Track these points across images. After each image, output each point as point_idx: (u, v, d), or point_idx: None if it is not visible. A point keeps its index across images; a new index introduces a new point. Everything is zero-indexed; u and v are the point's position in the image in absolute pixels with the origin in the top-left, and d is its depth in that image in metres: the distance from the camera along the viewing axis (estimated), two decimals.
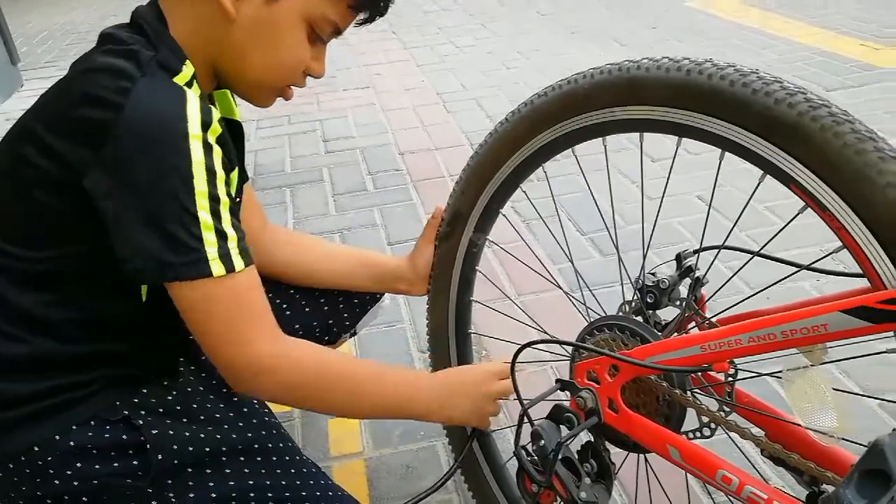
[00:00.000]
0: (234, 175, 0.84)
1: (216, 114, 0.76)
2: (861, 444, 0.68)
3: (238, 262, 0.75)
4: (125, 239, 0.73)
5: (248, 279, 0.78)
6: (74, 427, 0.81)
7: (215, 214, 0.74)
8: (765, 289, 0.86)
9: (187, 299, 0.75)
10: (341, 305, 1.19)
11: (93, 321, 0.82)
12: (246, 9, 0.78)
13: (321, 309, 1.17)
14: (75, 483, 0.80)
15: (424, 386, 0.94)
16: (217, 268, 0.74)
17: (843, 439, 0.69)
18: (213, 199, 0.74)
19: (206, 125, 0.74)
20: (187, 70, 0.78)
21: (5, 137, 0.82)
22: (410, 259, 1.13)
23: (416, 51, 3.90)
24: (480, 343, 1.60)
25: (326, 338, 1.19)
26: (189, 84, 0.78)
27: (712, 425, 0.80)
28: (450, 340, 1.14)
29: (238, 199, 0.95)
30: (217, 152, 0.75)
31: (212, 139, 0.75)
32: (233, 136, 0.92)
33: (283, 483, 0.90)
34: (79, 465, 0.80)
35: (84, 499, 0.82)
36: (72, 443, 0.80)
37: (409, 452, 1.36)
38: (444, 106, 3.09)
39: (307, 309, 1.15)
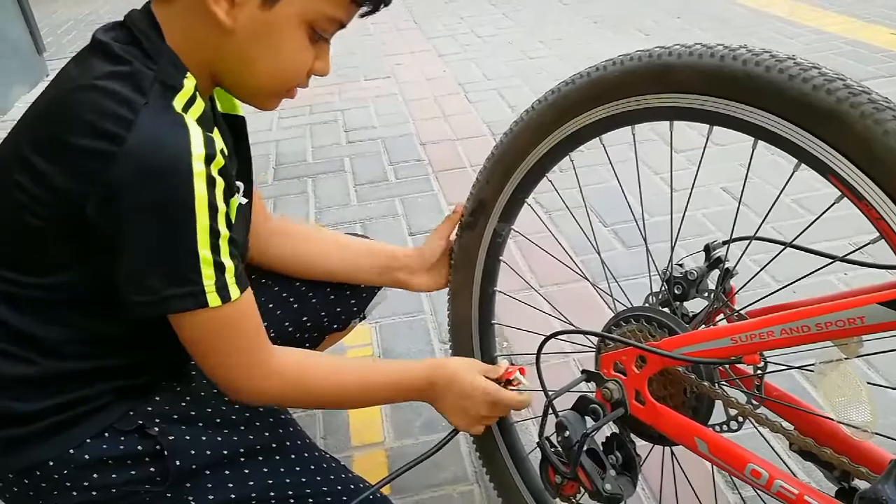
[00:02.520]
0: (234, 201, 0.83)
1: (219, 143, 0.75)
2: (894, 439, 0.67)
3: (234, 292, 0.76)
4: (124, 269, 0.73)
5: (243, 307, 0.78)
6: (88, 440, 0.81)
7: (214, 249, 0.74)
8: (797, 280, 0.85)
9: (185, 328, 0.77)
10: (348, 292, 1.18)
11: (93, 339, 0.82)
12: (243, 18, 0.75)
13: (327, 298, 1.16)
14: (94, 493, 0.81)
15: (409, 388, 0.95)
16: (213, 300, 0.75)
17: (876, 434, 0.68)
18: (214, 234, 0.73)
19: (209, 158, 0.72)
20: (189, 83, 0.76)
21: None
22: (418, 250, 1.13)
23: (437, 40, 3.88)
24: (503, 334, 1.59)
25: (336, 325, 1.19)
26: (192, 99, 0.75)
27: (740, 419, 0.79)
28: (473, 331, 1.13)
29: (248, 201, 0.95)
30: (220, 185, 0.73)
31: (214, 172, 0.73)
32: (235, 133, 0.93)
33: (304, 480, 0.91)
34: (95, 475, 0.81)
35: None
36: (87, 456, 0.81)
37: (431, 443, 1.33)
38: (465, 96, 3.08)
39: (314, 300, 1.15)
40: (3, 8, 3.47)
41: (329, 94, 3.18)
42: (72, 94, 0.74)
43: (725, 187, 2.12)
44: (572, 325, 0.94)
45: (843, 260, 0.79)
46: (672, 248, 0.90)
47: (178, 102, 0.74)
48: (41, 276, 0.78)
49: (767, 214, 0.80)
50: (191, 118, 0.74)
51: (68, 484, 0.80)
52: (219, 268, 0.75)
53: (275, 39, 0.77)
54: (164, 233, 0.72)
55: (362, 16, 0.83)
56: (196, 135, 0.72)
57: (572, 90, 0.88)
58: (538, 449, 0.89)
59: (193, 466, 0.85)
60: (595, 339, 0.92)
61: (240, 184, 0.92)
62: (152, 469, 0.83)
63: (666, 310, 0.88)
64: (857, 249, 0.75)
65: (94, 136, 0.70)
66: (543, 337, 0.89)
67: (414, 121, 2.87)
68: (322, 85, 2.95)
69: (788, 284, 0.81)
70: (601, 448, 0.85)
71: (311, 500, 0.91)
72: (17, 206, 0.74)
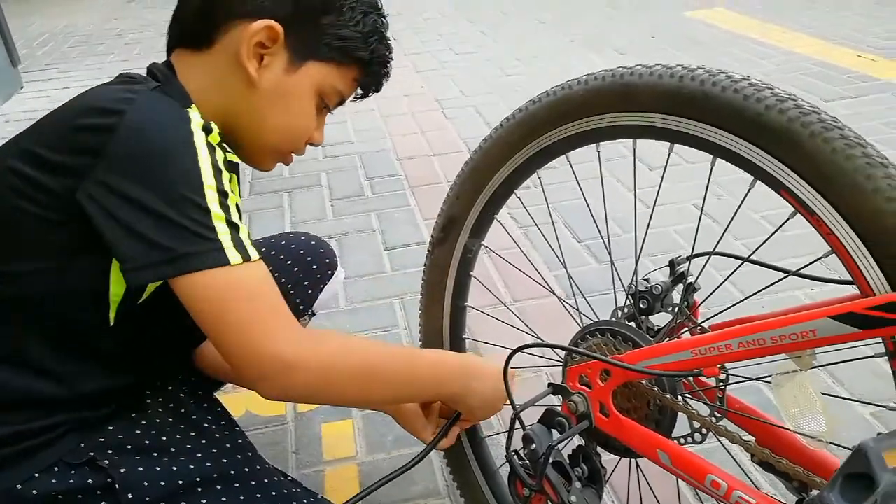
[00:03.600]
0: (234, 182, 0.84)
1: (216, 127, 0.78)
2: (849, 448, 0.68)
3: (253, 252, 0.74)
4: (129, 238, 0.70)
5: (264, 270, 0.76)
6: (37, 475, 0.78)
7: (224, 207, 0.73)
8: (753, 294, 0.87)
9: (202, 294, 0.72)
10: (291, 291, 1.16)
11: (60, 351, 0.79)
12: (267, 76, 0.84)
13: None
14: None
15: (448, 372, 0.92)
16: (234, 255, 0.72)
17: (831, 444, 0.70)
18: (221, 194, 0.73)
19: (206, 130, 0.76)
20: (193, 110, 0.79)
21: None
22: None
23: (415, 57, 3.91)
24: (476, 349, 1.60)
25: None
26: (202, 121, 0.78)
27: (703, 430, 0.80)
28: (444, 346, 1.14)
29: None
30: (220, 154, 0.76)
31: (213, 143, 0.76)
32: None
33: None
34: None
35: None
36: (35, 491, 0.77)
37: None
38: (442, 112, 3.10)
39: None
40: None
41: None
42: (78, 97, 0.79)
43: (696, 204, 2.16)
44: (541, 339, 0.95)
45: (796, 274, 0.81)
46: (637, 262, 0.92)
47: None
48: (12, 264, 0.76)
49: (726, 229, 0.82)
50: (195, 113, 0.77)
51: None
52: (233, 226, 0.73)
53: (291, 100, 0.86)
54: (172, 189, 0.70)
55: (354, 99, 0.95)
56: (193, 111, 0.76)
57: (539, 108, 0.90)
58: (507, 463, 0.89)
59: (147, 499, 0.80)
60: (563, 353, 0.93)
61: None
62: (104, 503, 0.79)
63: (632, 324, 0.89)
64: (809, 264, 0.78)
65: (95, 115, 0.73)
66: (509, 353, 0.90)
67: (391, 136, 2.89)
68: None
69: (746, 298, 0.83)
70: (567, 461, 0.86)
71: None
72: (5, 188, 0.75)
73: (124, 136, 0.71)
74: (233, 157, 0.86)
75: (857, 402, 1.33)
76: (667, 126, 0.77)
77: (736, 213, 0.83)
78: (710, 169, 0.78)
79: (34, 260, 0.76)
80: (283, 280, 1.17)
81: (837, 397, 1.29)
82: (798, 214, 0.69)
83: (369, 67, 0.91)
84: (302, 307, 1.20)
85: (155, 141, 0.72)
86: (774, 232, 0.78)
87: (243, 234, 0.74)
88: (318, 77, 0.87)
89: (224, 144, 0.79)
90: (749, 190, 0.75)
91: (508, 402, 0.89)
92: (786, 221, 0.72)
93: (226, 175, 0.75)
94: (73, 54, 4.33)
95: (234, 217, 0.74)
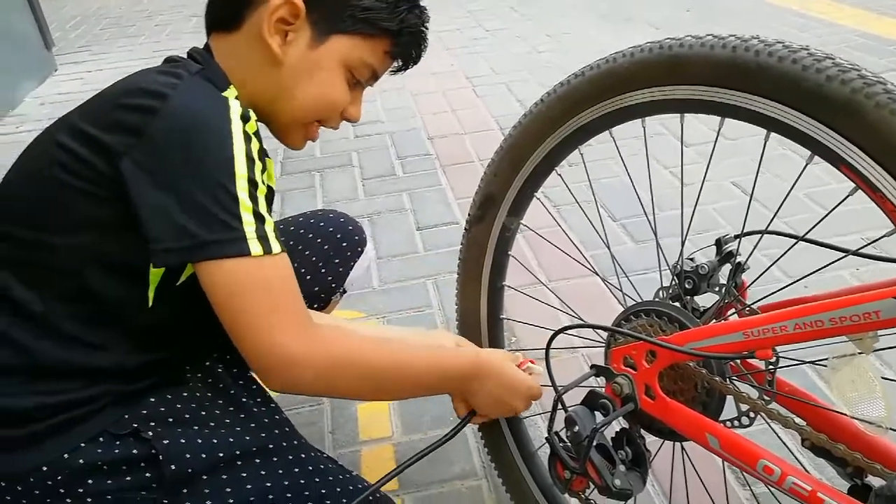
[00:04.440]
0: (271, 166, 0.85)
1: (253, 115, 0.80)
2: None
3: (275, 245, 0.76)
4: (160, 218, 0.72)
5: (285, 264, 0.77)
6: (83, 444, 0.79)
7: (253, 198, 0.75)
8: (811, 274, 0.84)
9: (221, 280, 0.74)
10: (322, 270, 1.18)
11: (99, 325, 0.80)
12: (292, 52, 0.85)
13: (303, 278, 1.12)
14: (88, 500, 0.78)
15: (455, 372, 0.92)
16: (255, 247, 0.73)
17: (891, 430, 0.67)
18: (252, 184, 0.75)
19: (245, 118, 0.77)
20: (230, 93, 0.82)
21: (42, 133, 0.83)
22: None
23: (444, 34, 3.87)
24: (511, 329, 1.59)
25: (315, 304, 1.18)
26: (240, 105, 0.80)
27: (751, 414, 0.78)
28: (481, 326, 1.13)
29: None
30: (255, 144, 0.78)
31: (250, 132, 0.77)
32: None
33: (302, 482, 0.88)
34: (90, 481, 0.79)
35: None
36: (81, 460, 0.78)
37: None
38: (473, 90, 3.06)
39: None
40: (12, 2, 3.48)
41: None
42: (126, 77, 0.82)
43: (736, 182, 2.11)
44: (581, 319, 0.93)
45: (855, 254, 0.78)
46: (682, 242, 0.90)
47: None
48: (55, 237, 0.78)
49: (780, 208, 0.79)
50: (233, 98, 0.79)
51: (62, 491, 0.78)
52: (259, 218, 0.75)
53: (316, 74, 0.87)
54: (206, 175, 0.72)
55: (394, 72, 0.95)
56: (234, 100, 0.79)
57: (582, 82, 0.87)
58: (547, 444, 0.88)
59: (189, 471, 0.81)
60: (604, 334, 0.91)
61: None
62: (148, 475, 0.81)
63: (676, 304, 0.87)
64: (870, 242, 0.74)
65: (140, 95, 0.75)
66: (552, 332, 0.88)
67: (421, 115, 2.86)
68: None
69: (801, 278, 0.80)
70: (610, 443, 0.84)
71: (309, 503, 0.88)
72: (51, 161, 0.77)
73: (166, 120, 0.73)
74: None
75: None
76: (718, 99, 0.74)
77: (790, 191, 0.79)
78: (764, 144, 0.74)
79: (77, 234, 0.78)
80: (314, 258, 1.18)
81: (889, 380, 1.25)
82: (858, 191, 0.66)
83: (399, 38, 0.89)
84: (333, 285, 1.20)
85: (194, 127, 0.74)
86: (834, 208, 0.75)
87: (268, 227, 0.76)
88: (345, 50, 0.87)
89: (259, 133, 0.81)
90: (805, 166, 0.72)
91: (550, 383, 0.88)
92: (847, 197, 0.69)
93: (258, 165, 0.77)
94: (105, 36, 4.35)
95: (262, 209, 0.76)
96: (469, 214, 1.07)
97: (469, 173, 2.34)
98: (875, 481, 0.72)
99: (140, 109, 0.74)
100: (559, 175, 1.02)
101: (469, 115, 2.82)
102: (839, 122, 0.64)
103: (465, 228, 1.09)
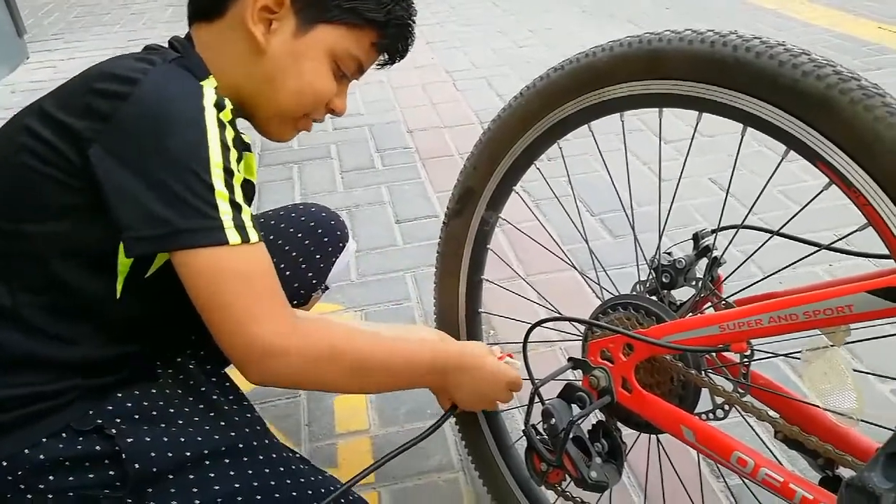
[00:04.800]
0: (251, 159, 0.84)
1: (229, 104, 0.78)
2: (880, 426, 0.67)
3: (253, 235, 0.74)
4: (131, 205, 0.71)
5: (263, 253, 0.76)
6: (45, 439, 0.77)
7: (229, 186, 0.73)
8: (785, 267, 0.85)
9: (197, 270, 0.72)
10: (303, 266, 1.16)
11: (68, 318, 0.78)
12: (276, 42, 0.83)
13: (283, 274, 1.11)
14: (49, 496, 0.77)
15: (436, 365, 0.92)
16: (233, 236, 0.72)
17: (862, 422, 0.68)
18: (227, 172, 0.74)
19: (219, 106, 0.75)
20: (209, 82, 0.81)
21: (11, 119, 0.81)
22: None
23: (425, 28, 3.85)
24: (490, 323, 1.59)
25: (295, 301, 1.17)
26: (217, 94, 0.78)
27: (726, 407, 0.79)
28: (459, 320, 1.13)
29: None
30: (230, 132, 0.76)
31: (225, 120, 0.76)
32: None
33: (272, 483, 0.86)
34: (51, 478, 0.77)
35: None
36: (42, 456, 0.76)
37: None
38: (453, 84, 3.06)
39: None
40: None
41: None
42: (98, 64, 0.80)
43: (713, 178, 2.12)
44: (559, 313, 0.93)
45: (829, 248, 0.79)
46: (660, 237, 0.90)
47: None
48: (22, 224, 0.76)
49: (755, 204, 0.80)
50: (209, 87, 0.77)
51: (22, 486, 0.76)
52: (235, 206, 0.73)
53: (301, 64, 0.85)
54: (178, 161, 0.71)
55: (379, 66, 0.94)
56: (208, 86, 0.76)
57: (561, 76, 0.87)
58: (524, 437, 0.88)
59: (154, 469, 0.79)
60: (582, 328, 0.91)
61: None
62: (111, 472, 0.79)
63: (654, 298, 0.88)
64: (843, 237, 0.75)
65: (111, 81, 0.74)
66: (529, 326, 0.88)
67: (401, 108, 2.85)
68: None
69: (776, 272, 0.81)
70: (587, 436, 0.85)
71: None
72: (19, 148, 0.75)
73: (136, 105, 0.72)
74: (247, 139, 0.85)
75: (888, 378, 1.31)
76: (696, 94, 0.74)
77: (765, 186, 0.80)
78: (740, 139, 0.75)
79: (47, 223, 0.76)
80: (294, 254, 1.16)
81: (860, 372, 1.27)
82: (832, 187, 0.66)
83: (386, 29, 0.89)
84: (314, 281, 1.19)
85: (165, 112, 0.72)
86: (808, 204, 0.76)
87: (246, 216, 0.74)
88: (330, 41, 0.85)
89: (235, 123, 0.79)
90: (780, 161, 0.73)
91: (527, 376, 0.88)
92: (820, 193, 0.69)
93: (234, 154, 0.75)
94: (79, 24, 4.28)
95: (238, 197, 0.74)
96: (448, 208, 1.07)
97: (448, 167, 2.34)
98: (846, 472, 0.73)
99: (110, 95, 0.72)
100: (538, 169, 1.02)
101: (449, 108, 2.81)
102: (814, 118, 0.64)
103: (444, 222, 1.08)
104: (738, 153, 0.80)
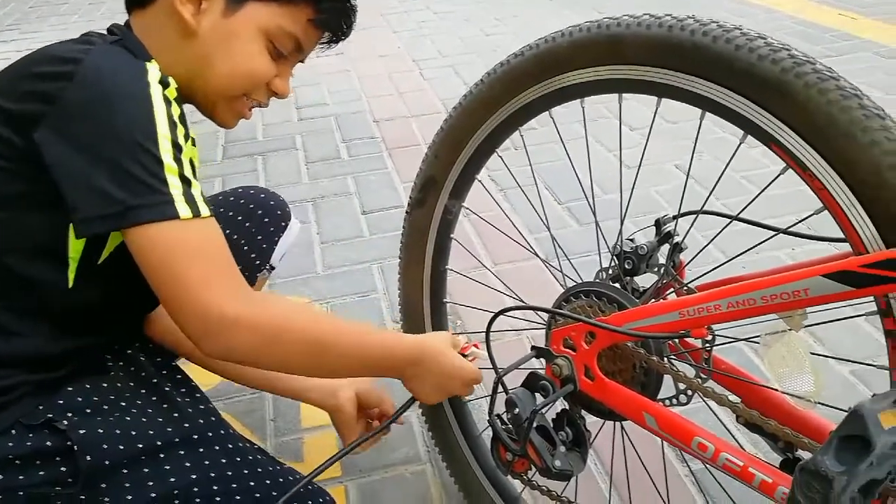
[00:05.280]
0: (195, 151, 0.82)
1: (173, 82, 0.77)
2: (836, 408, 0.67)
3: (204, 209, 0.73)
4: (81, 185, 0.69)
5: (214, 227, 0.75)
6: None
7: (178, 161, 0.72)
8: (744, 252, 0.85)
9: (150, 245, 0.71)
10: (245, 248, 1.14)
11: (16, 311, 0.77)
12: (206, 23, 0.82)
13: None
14: None
15: (399, 353, 0.89)
16: (183, 209, 0.71)
17: (819, 404, 0.68)
18: (176, 147, 0.73)
19: (164, 83, 0.74)
20: (152, 64, 0.78)
21: None
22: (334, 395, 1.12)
23: (391, 17, 3.82)
24: (455, 312, 1.58)
25: None
26: (160, 74, 0.77)
27: (689, 392, 0.79)
28: (424, 310, 1.12)
29: None
30: (175, 109, 0.75)
31: (170, 97, 0.75)
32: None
33: (229, 474, 0.84)
34: (0, 477, 0.75)
35: None
36: None
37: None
38: (420, 73, 3.04)
39: None
40: None
41: None
42: (38, 49, 0.79)
43: (678, 164, 2.14)
44: (523, 301, 0.93)
45: (786, 232, 0.79)
46: (622, 222, 0.90)
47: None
48: None
49: (714, 188, 0.80)
50: (153, 66, 0.76)
51: None
52: (185, 181, 0.72)
53: (233, 44, 0.83)
54: (125, 137, 0.70)
55: (325, 46, 0.92)
56: (153, 69, 0.75)
57: (521, 62, 0.86)
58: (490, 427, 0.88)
59: (107, 462, 0.78)
60: (546, 316, 0.91)
61: None
62: (63, 469, 0.77)
63: (616, 285, 0.87)
64: (800, 221, 0.76)
65: (51, 63, 0.73)
66: (492, 315, 0.88)
67: (367, 98, 2.82)
68: None
69: (735, 257, 0.82)
70: (551, 425, 0.84)
71: (237, 497, 0.84)
72: None
73: (79, 83, 0.71)
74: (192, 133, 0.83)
75: (845, 360, 1.33)
76: (655, 80, 0.74)
77: (724, 171, 0.80)
78: (699, 124, 0.75)
79: None
80: (236, 237, 1.15)
81: (820, 356, 1.29)
82: (788, 171, 0.67)
83: (320, 4, 0.86)
84: (258, 262, 1.17)
85: (110, 88, 0.71)
86: (765, 188, 0.76)
87: (195, 190, 0.74)
88: (262, 18, 0.83)
89: (180, 102, 0.78)
90: (739, 145, 0.73)
91: (491, 366, 0.87)
92: (777, 177, 0.70)
93: (181, 129, 0.74)
94: (35, 14, 4.16)
95: (188, 172, 0.73)
96: (410, 197, 1.06)
97: (415, 157, 2.30)
98: (806, 455, 0.74)
99: (53, 76, 0.71)
100: (500, 158, 1.01)
101: (415, 98, 2.79)
102: (770, 102, 0.64)
103: (407, 212, 1.07)
104: (696, 138, 0.80)
